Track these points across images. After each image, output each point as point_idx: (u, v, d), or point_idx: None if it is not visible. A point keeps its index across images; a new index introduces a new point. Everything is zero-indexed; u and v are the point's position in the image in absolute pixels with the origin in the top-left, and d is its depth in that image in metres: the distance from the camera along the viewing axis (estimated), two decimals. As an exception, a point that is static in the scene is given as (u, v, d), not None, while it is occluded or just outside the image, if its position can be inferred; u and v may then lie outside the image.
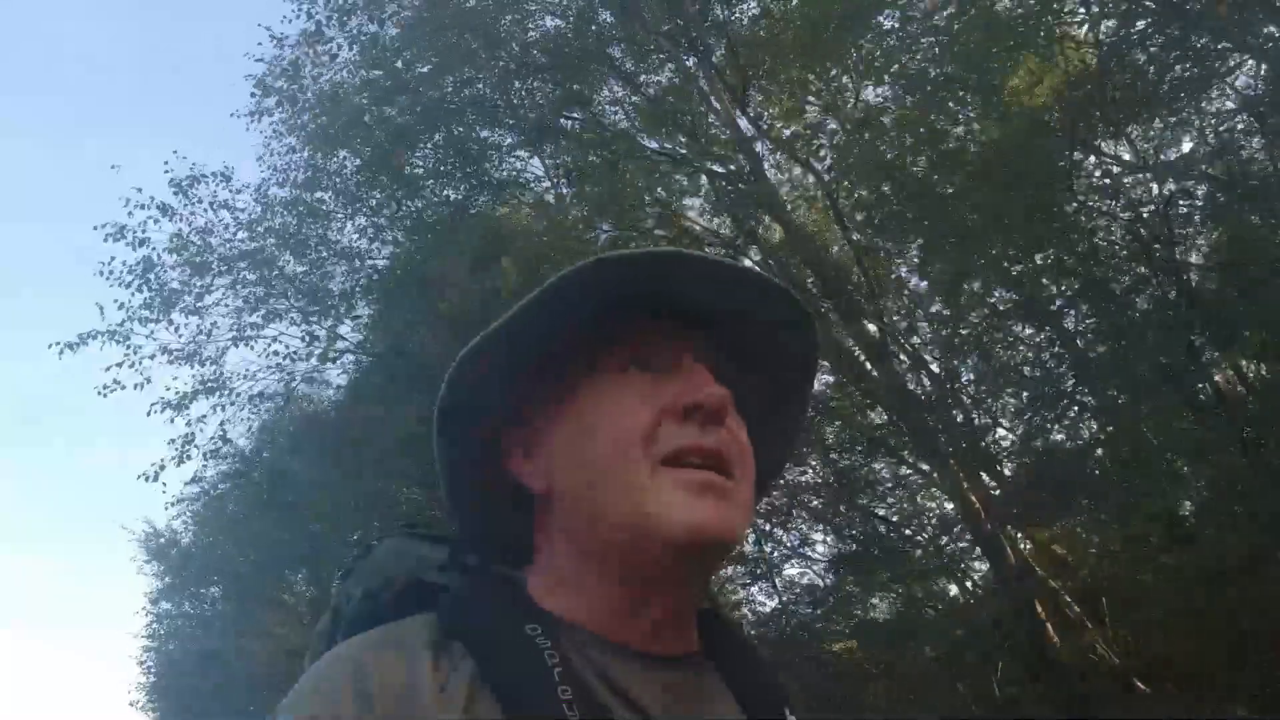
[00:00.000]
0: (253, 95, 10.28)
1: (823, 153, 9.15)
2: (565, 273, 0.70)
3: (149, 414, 10.39)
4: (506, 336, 0.72)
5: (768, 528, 10.29)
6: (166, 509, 14.01)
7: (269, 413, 11.98)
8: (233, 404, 11.06)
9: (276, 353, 10.92)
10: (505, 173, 10.37)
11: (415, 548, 0.88)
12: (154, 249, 10.34)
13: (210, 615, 17.90)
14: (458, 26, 9.21)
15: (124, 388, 10.27)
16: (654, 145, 10.08)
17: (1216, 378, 7.69)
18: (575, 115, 10.31)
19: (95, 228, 10.30)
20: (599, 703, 0.65)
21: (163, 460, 10.64)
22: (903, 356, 9.58)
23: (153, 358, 10.39)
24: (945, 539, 9.60)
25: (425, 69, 9.33)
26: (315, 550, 12.01)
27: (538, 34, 10.00)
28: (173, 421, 10.56)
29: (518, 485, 0.78)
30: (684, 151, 9.30)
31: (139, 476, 10.59)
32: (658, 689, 0.69)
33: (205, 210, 10.50)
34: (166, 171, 10.45)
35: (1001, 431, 9.94)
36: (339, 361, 11.28)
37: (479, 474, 0.80)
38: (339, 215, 10.29)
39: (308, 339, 10.76)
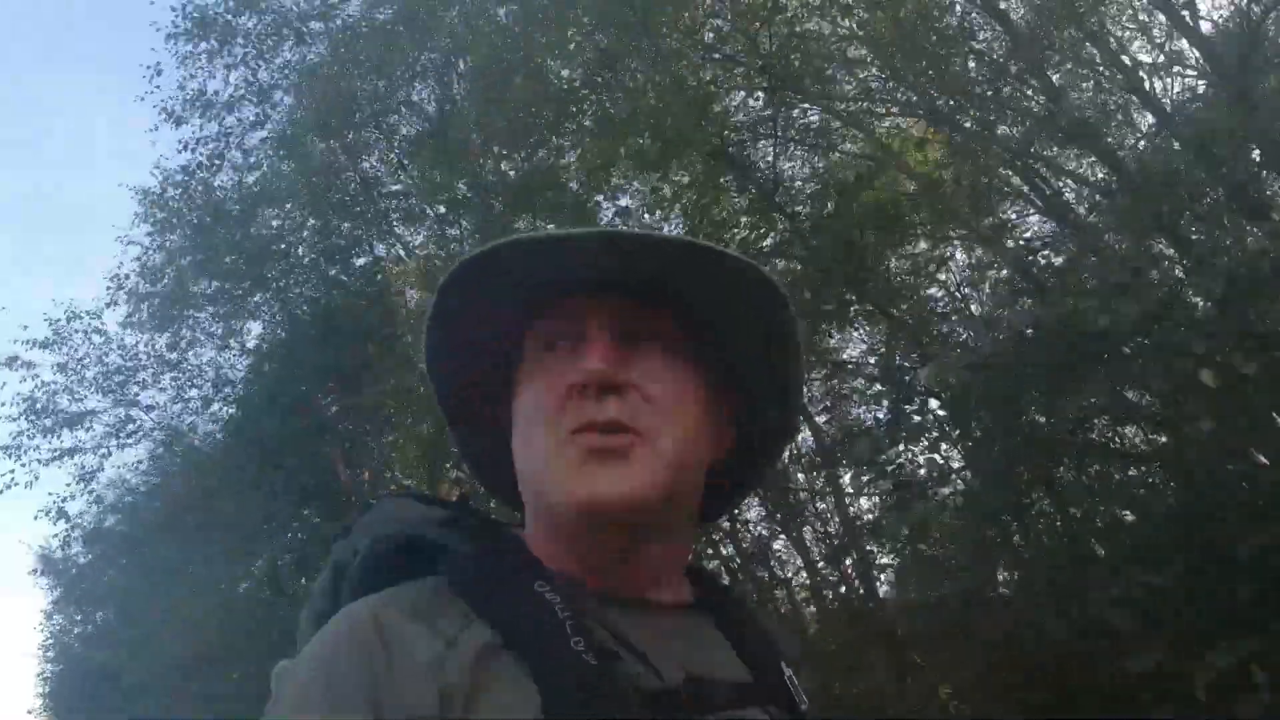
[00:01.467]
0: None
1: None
2: (484, 250, 0.74)
3: (35, 518, 12.52)
4: (451, 313, 0.77)
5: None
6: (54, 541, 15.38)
7: (155, 459, 13.76)
8: (102, 510, 13.26)
9: (140, 461, 13.15)
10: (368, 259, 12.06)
11: (414, 508, 0.91)
12: (38, 375, 12.25)
13: (105, 630, 18.86)
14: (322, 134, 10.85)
15: (18, 484, 12.17)
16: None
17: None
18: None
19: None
20: (609, 651, 0.67)
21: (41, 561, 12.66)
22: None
23: (40, 463, 12.27)
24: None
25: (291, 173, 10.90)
26: (209, 568, 13.38)
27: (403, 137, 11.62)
28: (55, 524, 12.80)
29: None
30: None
31: (30, 571, 12.64)
32: (655, 634, 0.72)
33: (82, 339, 12.41)
34: (45, 318, 12.34)
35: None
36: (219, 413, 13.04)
37: (479, 438, 0.86)
38: (209, 309, 12.08)
39: (170, 441, 12.65)
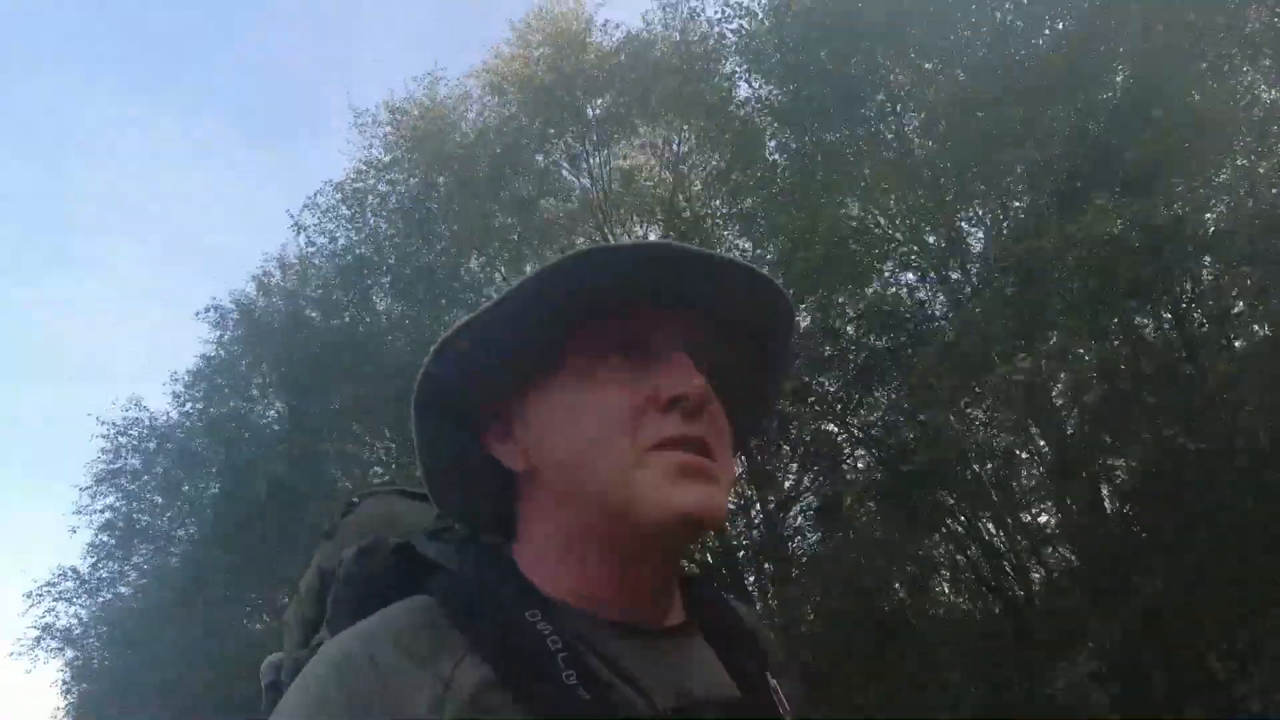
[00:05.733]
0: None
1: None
2: (556, 262, 0.71)
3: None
4: (490, 322, 0.73)
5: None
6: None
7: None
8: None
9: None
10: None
11: (399, 505, 0.92)
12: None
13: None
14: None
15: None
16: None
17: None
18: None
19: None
20: (602, 682, 0.67)
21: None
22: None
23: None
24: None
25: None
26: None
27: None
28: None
29: (495, 461, 0.78)
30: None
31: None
32: (649, 663, 0.72)
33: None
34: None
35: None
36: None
37: (454, 451, 0.80)
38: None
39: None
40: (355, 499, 0.97)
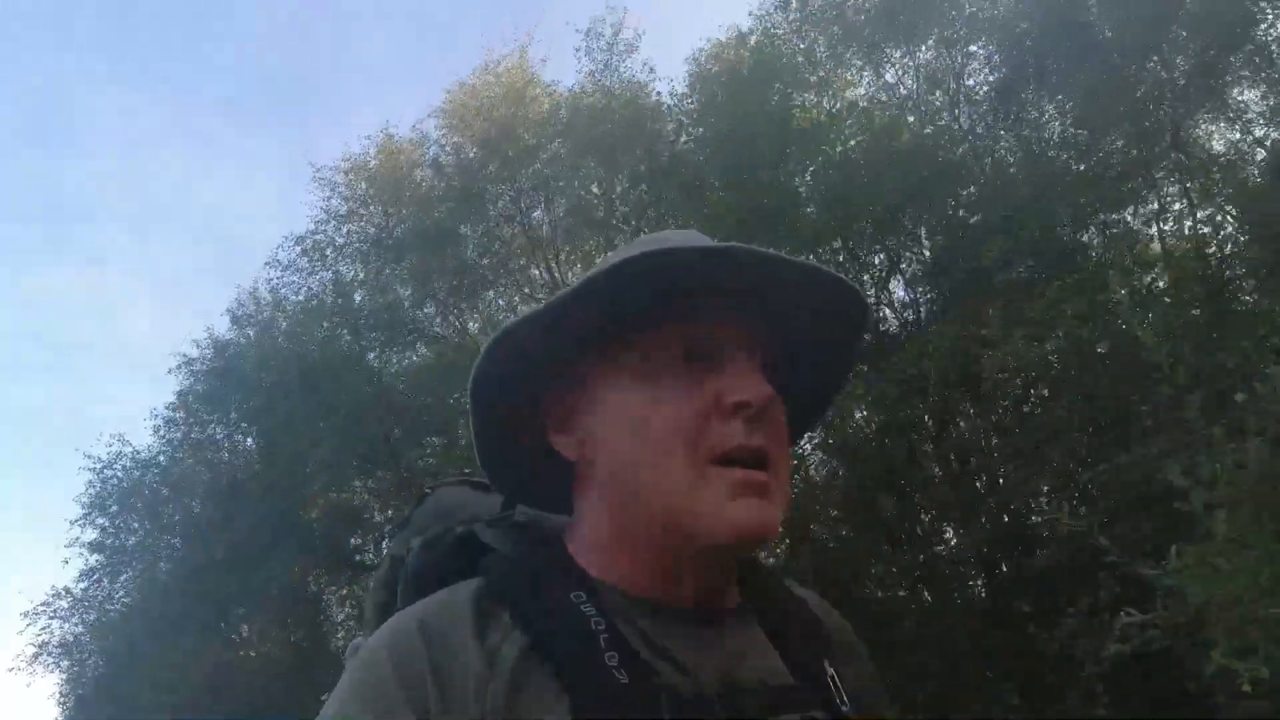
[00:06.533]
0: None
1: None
2: (621, 259, 0.71)
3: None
4: (552, 315, 0.73)
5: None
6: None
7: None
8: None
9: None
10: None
11: (468, 496, 0.96)
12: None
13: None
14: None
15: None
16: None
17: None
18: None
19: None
20: (645, 664, 0.68)
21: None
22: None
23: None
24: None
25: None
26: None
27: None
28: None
29: (551, 448, 0.80)
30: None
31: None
32: (698, 646, 0.72)
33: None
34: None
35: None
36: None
37: (511, 438, 0.82)
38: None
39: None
40: (429, 489, 1.03)
